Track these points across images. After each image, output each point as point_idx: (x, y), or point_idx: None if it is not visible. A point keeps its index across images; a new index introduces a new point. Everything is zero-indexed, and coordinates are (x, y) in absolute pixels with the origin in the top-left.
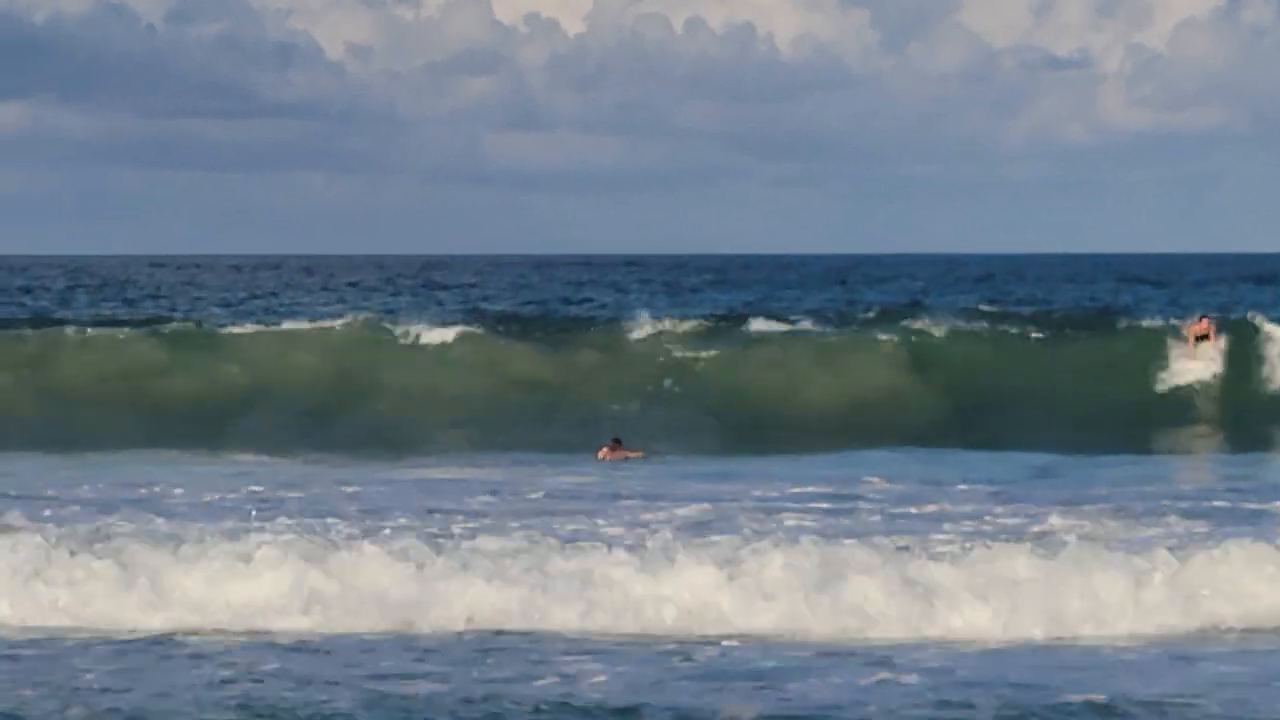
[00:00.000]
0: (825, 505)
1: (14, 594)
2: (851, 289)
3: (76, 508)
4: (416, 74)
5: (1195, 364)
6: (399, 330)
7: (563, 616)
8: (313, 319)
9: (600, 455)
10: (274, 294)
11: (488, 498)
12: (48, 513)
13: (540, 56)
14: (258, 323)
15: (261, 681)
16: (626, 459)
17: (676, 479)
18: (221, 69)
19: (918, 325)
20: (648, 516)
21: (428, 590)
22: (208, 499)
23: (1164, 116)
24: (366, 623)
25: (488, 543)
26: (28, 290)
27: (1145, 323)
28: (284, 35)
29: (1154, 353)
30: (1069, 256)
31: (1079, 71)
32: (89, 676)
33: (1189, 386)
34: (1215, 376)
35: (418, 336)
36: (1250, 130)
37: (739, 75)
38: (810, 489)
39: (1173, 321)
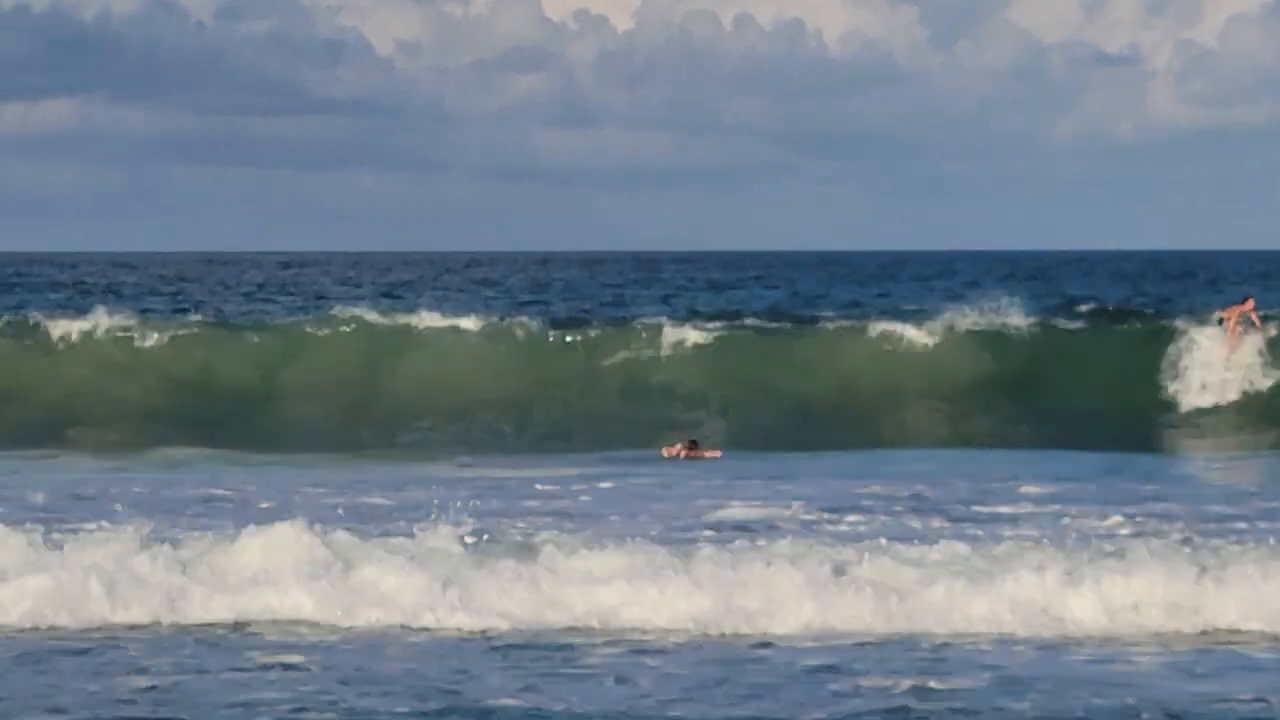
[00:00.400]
0: (883, 503)
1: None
2: (902, 285)
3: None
4: (465, 70)
5: (1231, 354)
6: (424, 324)
7: (605, 617)
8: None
9: (670, 453)
10: (319, 290)
11: (565, 501)
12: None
13: (589, 53)
14: (303, 316)
15: (308, 685)
16: (702, 458)
17: (740, 478)
18: (271, 66)
19: (967, 321)
20: (720, 515)
21: (481, 590)
22: (269, 500)
23: (1214, 113)
24: (398, 621)
25: (544, 543)
26: (74, 285)
27: (1179, 322)
28: (333, 32)
29: (1194, 348)
30: (1118, 253)
31: (1129, 68)
32: (136, 673)
33: (1225, 382)
34: (1252, 377)
35: (453, 330)
36: None
37: (788, 72)
38: (875, 488)
39: (1217, 313)
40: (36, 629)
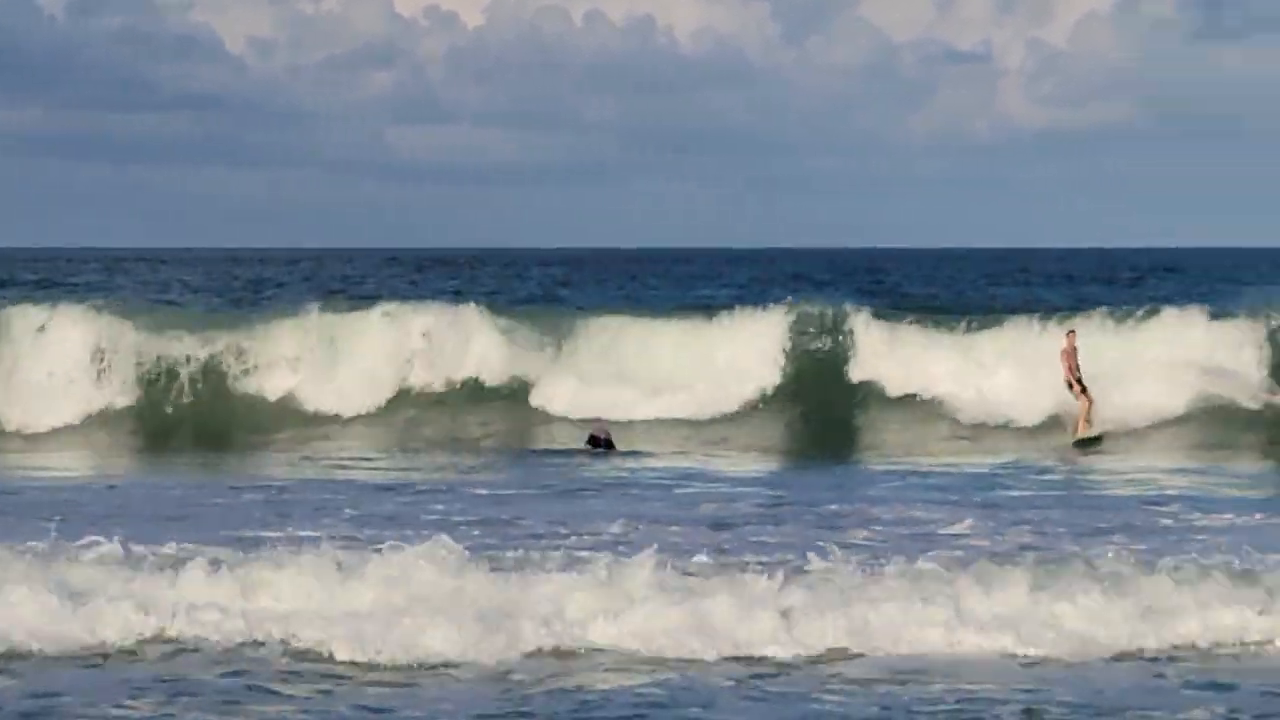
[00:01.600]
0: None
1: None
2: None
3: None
4: (317, 67)
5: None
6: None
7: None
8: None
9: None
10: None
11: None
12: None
13: (440, 49)
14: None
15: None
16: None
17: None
18: (123, 61)
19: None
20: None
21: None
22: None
23: (1065, 112)
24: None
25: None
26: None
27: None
28: (185, 28)
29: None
30: (971, 251)
31: (980, 66)
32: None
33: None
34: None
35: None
36: (1152, 126)
37: (639, 68)
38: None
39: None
40: None
